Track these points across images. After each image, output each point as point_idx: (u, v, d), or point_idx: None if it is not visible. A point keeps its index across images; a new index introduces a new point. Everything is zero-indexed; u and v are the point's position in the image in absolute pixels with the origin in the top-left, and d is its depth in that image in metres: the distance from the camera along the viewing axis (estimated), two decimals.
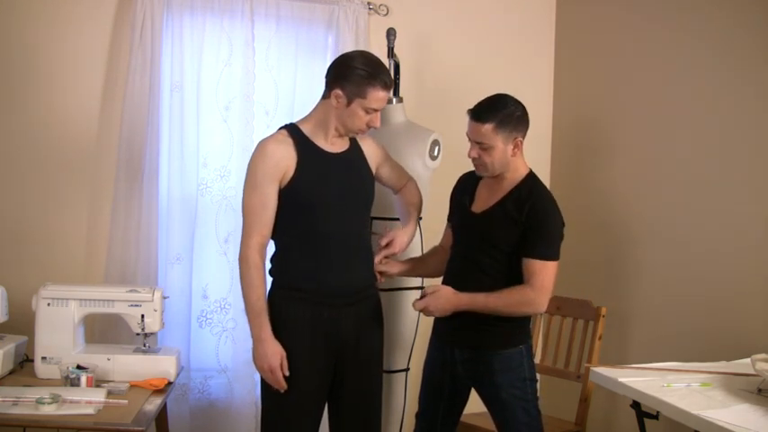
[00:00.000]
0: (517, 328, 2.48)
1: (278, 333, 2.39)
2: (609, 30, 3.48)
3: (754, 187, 2.69)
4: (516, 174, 2.49)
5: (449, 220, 2.71)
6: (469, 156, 2.48)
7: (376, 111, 2.42)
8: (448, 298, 2.44)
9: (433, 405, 2.62)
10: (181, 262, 3.27)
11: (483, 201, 2.53)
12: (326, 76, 2.46)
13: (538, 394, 2.52)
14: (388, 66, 3.11)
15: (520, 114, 2.46)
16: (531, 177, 2.50)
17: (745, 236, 2.72)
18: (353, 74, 2.38)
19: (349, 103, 2.39)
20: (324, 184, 2.44)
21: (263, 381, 2.44)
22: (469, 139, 2.47)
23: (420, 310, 2.48)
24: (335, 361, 2.48)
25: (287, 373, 2.37)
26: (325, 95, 2.46)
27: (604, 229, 3.39)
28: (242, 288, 2.40)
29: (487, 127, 2.41)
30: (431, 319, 2.79)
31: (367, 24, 3.46)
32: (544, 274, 2.38)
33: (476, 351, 2.49)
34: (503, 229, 2.43)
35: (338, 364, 2.48)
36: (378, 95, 2.39)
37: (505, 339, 2.46)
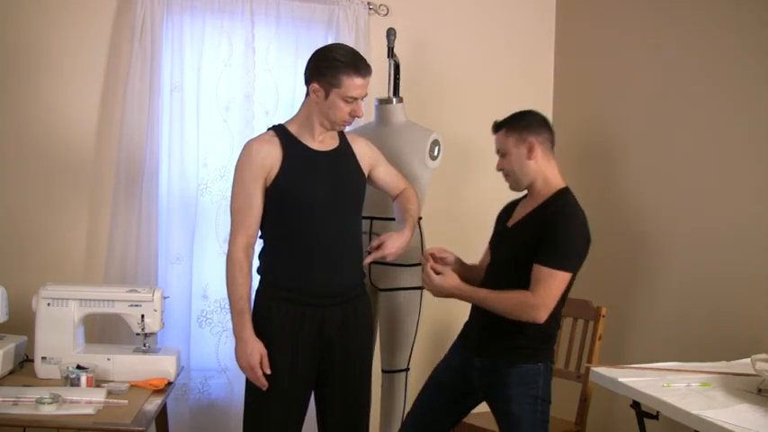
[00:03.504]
0: (540, 344, 2.44)
1: (263, 331, 2.41)
2: (609, 29, 3.48)
3: (753, 187, 2.69)
4: (547, 187, 2.45)
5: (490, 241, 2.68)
6: (497, 169, 2.53)
7: (356, 99, 2.40)
8: (453, 282, 2.45)
9: (431, 405, 2.59)
10: (181, 262, 3.27)
11: (517, 216, 2.53)
12: (304, 73, 2.46)
13: (549, 417, 2.48)
14: (388, 65, 3.12)
15: (531, 119, 2.48)
16: (563, 193, 2.45)
17: (745, 236, 2.72)
18: (326, 65, 2.37)
19: (327, 96, 2.39)
20: (309, 182, 2.43)
21: (246, 378, 2.46)
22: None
23: (426, 284, 2.50)
24: (321, 361, 2.48)
25: (267, 372, 2.38)
26: (307, 92, 2.46)
27: (604, 229, 3.38)
28: (226, 286, 2.43)
29: (500, 134, 2.49)
30: (431, 320, 2.79)
31: (367, 24, 3.46)
32: (550, 283, 2.31)
33: (495, 361, 2.45)
34: (524, 241, 2.39)
35: (324, 365, 2.49)
36: (353, 83, 2.37)
37: (525, 354, 2.42)
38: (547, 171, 2.46)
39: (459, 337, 2.63)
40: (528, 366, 2.41)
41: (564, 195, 2.44)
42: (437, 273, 2.48)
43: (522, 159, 2.44)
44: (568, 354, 3.17)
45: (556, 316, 2.47)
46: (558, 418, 3.15)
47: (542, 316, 2.33)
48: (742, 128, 2.75)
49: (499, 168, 2.51)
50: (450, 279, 2.46)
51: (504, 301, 2.36)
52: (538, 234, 2.35)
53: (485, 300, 2.40)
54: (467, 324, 2.60)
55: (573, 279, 2.44)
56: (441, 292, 2.48)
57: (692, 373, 2.38)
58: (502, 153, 2.48)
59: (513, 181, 2.49)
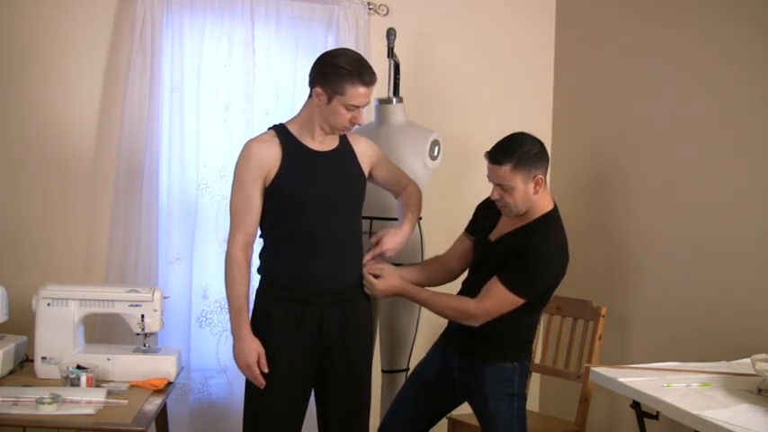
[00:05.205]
0: (516, 345, 2.51)
1: (262, 330, 2.42)
2: (610, 26, 3.47)
3: (753, 188, 2.69)
4: (538, 210, 2.44)
5: (468, 231, 2.68)
6: (492, 197, 2.46)
7: (357, 107, 2.40)
8: (393, 282, 2.53)
9: (413, 401, 2.62)
10: (181, 262, 3.27)
11: (501, 228, 2.52)
12: (309, 75, 2.46)
13: (525, 413, 2.53)
14: (388, 65, 3.12)
15: (537, 152, 2.40)
16: (549, 216, 2.44)
17: (744, 236, 2.72)
18: (332, 72, 2.37)
19: (329, 101, 2.39)
20: (308, 183, 2.44)
21: (246, 378, 2.46)
22: (490, 181, 2.45)
23: (367, 288, 2.55)
24: (321, 360, 2.49)
25: (265, 370, 2.39)
26: (310, 94, 2.47)
27: (604, 230, 3.39)
28: (225, 285, 2.43)
29: (505, 168, 2.38)
30: (431, 320, 2.79)
31: (367, 24, 3.46)
32: (498, 301, 2.38)
33: (473, 361, 2.51)
34: (502, 260, 2.42)
35: (324, 364, 2.49)
36: (357, 92, 2.37)
37: (501, 353, 2.48)
38: (543, 196, 2.45)
39: (441, 336, 2.67)
40: (503, 365, 2.48)
41: (547, 222, 2.44)
42: (376, 276, 2.53)
43: (528, 194, 2.40)
44: (568, 354, 3.17)
45: (532, 327, 2.56)
46: (558, 418, 3.15)
47: (478, 324, 2.44)
48: (738, 134, 2.75)
49: (497, 198, 2.44)
50: (390, 279, 2.54)
51: (444, 305, 2.49)
52: (513, 255, 2.39)
53: (426, 300, 2.53)
54: (449, 324, 2.63)
55: (542, 304, 2.53)
56: (384, 294, 2.56)
57: (692, 373, 2.38)
58: (505, 188, 2.39)
59: (509, 211, 2.45)
